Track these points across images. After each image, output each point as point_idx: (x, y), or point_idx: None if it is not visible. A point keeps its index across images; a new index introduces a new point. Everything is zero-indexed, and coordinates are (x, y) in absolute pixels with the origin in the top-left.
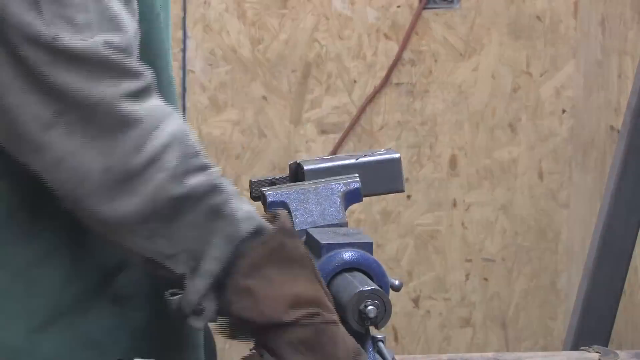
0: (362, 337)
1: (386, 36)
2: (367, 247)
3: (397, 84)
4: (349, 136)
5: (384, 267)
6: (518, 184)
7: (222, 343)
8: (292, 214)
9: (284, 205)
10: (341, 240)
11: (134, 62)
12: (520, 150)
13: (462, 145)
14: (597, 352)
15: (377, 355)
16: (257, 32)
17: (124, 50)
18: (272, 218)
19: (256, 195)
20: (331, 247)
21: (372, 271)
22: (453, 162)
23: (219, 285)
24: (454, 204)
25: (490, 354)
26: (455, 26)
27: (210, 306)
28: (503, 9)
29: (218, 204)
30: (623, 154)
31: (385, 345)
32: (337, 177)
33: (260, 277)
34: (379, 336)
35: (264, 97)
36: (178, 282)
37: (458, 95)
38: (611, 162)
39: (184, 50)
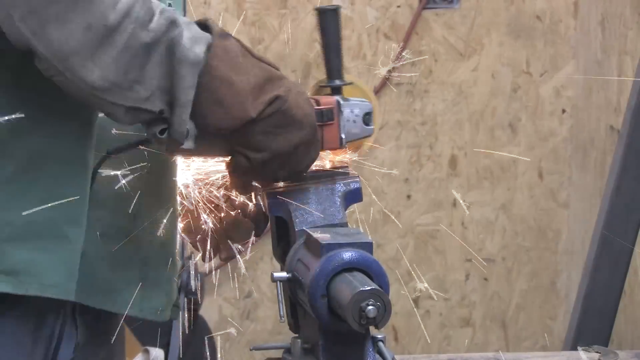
0: (362, 337)
1: (386, 36)
2: (367, 247)
3: (397, 84)
4: None
5: (384, 267)
6: (518, 184)
7: (222, 343)
8: (292, 214)
9: (284, 205)
10: (341, 240)
11: None
12: (520, 150)
13: (462, 145)
14: (597, 352)
15: (377, 355)
16: (257, 32)
17: None
18: (206, 26)
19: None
20: (331, 247)
21: (372, 271)
22: (453, 162)
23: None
24: (454, 204)
25: (490, 354)
26: (455, 26)
27: (191, 125)
28: (503, 9)
29: (175, 37)
30: (623, 154)
31: (385, 345)
32: (337, 177)
33: (222, 85)
34: (379, 336)
35: None
36: (159, 119)
37: (458, 95)
38: (611, 162)
39: None
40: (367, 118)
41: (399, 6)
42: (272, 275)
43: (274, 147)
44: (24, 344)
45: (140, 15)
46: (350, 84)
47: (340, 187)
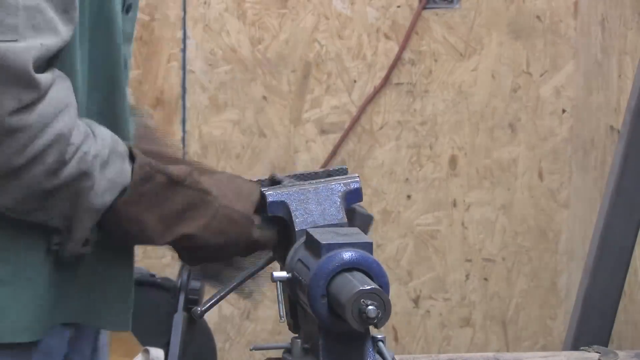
0: (362, 337)
1: (386, 36)
2: (367, 247)
3: (397, 84)
4: (349, 136)
5: (384, 267)
6: (518, 184)
7: (221, 343)
8: (292, 214)
9: (283, 205)
10: (341, 240)
11: (39, 74)
12: (520, 150)
13: (462, 145)
14: (597, 352)
15: (377, 355)
16: (257, 32)
17: (54, 53)
18: (134, 155)
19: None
20: (331, 247)
21: (372, 271)
22: (453, 162)
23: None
24: (454, 204)
25: (490, 354)
26: (455, 26)
27: (93, 234)
28: (503, 9)
29: (84, 188)
30: (623, 154)
31: (385, 345)
32: (337, 177)
33: (130, 224)
34: (379, 336)
35: (264, 97)
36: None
37: (458, 95)
38: (611, 162)
39: (183, 50)
40: None
41: (399, 6)
42: (272, 275)
43: (196, 261)
44: None
45: (49, 162)
46: None
47: (340, 187)
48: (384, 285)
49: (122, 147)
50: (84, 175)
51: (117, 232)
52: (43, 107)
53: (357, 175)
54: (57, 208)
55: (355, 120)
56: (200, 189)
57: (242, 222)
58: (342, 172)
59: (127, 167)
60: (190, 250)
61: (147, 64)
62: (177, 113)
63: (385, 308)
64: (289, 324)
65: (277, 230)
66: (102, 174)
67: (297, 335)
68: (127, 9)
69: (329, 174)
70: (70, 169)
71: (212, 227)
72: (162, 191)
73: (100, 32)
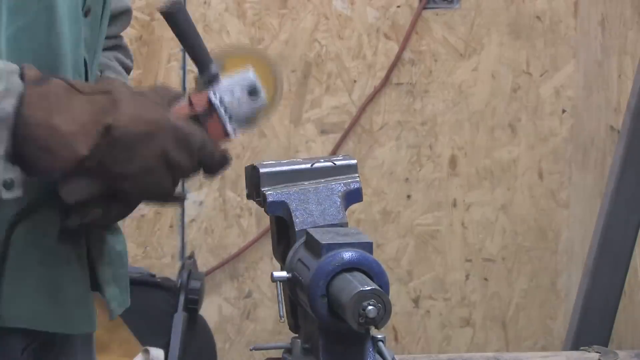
0: (362, 337)
1: (386, 36)
2: (367, 247)
3: (397, 84)
4: (349, 136)
5: (384, 267)
6: (518, 184)
7: (221, 343)
8: (292, 214)
9: (283, 205)
10: (341, 240)
11: None
12: (520, 150)
13: (462, 145)
14: (597, 352)
15: (377, 355)
16: (257, 32)
17: None
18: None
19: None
20: (331, 247)
21: (372, 271)
22: (453, 162)
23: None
24: (454, 204)
25: (490, 354)
26: (455, 26)
27: (17, 176)
28: (503, 9)
29: None
30: (623, 154)
31: (385, 345)
32: (338, 177)
33: (44, 132)
34: (379, 336)
35: None
36: None
37: (458, 95)
38: (611, 162)
39: (184, 50)
40: (252, 92)
41: (399, 6)
42: (272, 275)
43: (134, 169)
44: None
45: None
46: (223, 60)
47: (340, 187)
48: (384, 285)
49: (11, 66)
50: None
51: (36, 152)
52: None
53: (357, 175)
54: None
55: (355, 120)
56: (105, 90)
57: (153, 107)
58: (347, 158)
59: (17, 78)
60: (127, 152)
61: (147, 64)
62: None
63: (385, 308)
64: (289, 324)
65: (205, 129)
66: None
67: (297, 335)
68: (86, 12)
69: (334, 163)
70: None
71: (130, 110)
72: (67, 97)
73: (30, 19)
